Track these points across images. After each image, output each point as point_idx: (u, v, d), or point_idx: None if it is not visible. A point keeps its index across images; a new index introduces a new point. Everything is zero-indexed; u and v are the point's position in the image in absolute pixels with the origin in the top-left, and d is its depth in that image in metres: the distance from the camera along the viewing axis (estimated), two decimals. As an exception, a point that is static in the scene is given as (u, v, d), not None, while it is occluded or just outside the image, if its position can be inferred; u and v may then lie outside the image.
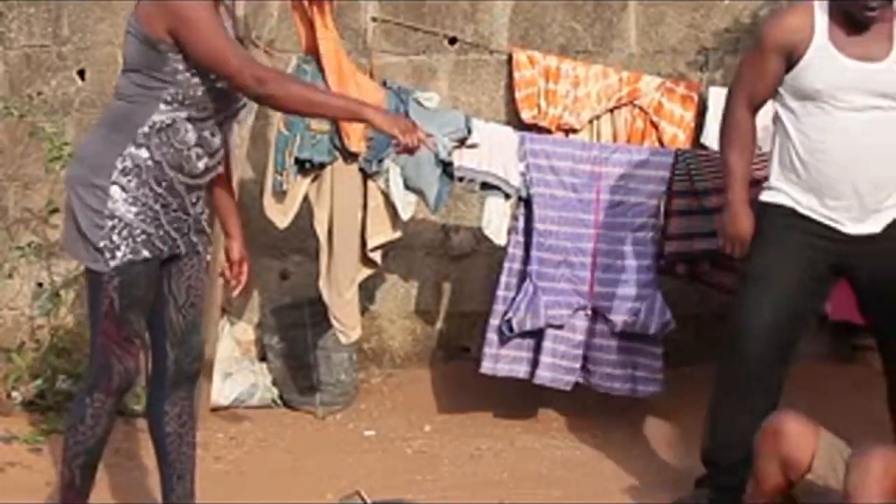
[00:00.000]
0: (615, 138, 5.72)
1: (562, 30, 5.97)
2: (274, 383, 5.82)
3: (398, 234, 5.45)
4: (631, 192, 5.29)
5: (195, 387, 4.15)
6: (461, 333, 6.06)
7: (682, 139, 5.69)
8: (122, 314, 3.82)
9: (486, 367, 5.34)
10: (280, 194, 5.27)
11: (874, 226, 4.23)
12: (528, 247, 5.33)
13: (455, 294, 6.07)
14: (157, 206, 3.81)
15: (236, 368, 5.76)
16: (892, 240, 4.23)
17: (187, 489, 4.15)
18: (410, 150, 3.82)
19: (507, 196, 5.39)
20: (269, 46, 5.38)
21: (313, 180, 5.32)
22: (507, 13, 5.96)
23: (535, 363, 5.32)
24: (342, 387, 5.78)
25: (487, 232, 5.44)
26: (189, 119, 3.80)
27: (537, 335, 5.30)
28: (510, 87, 5.90)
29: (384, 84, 5.45)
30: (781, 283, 4.27)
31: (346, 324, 5.41)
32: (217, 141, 3.90)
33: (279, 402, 5.81)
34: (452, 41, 5.96)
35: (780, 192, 4.30)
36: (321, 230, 5.35)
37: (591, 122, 5.81)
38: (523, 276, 5.31)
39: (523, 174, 5.34)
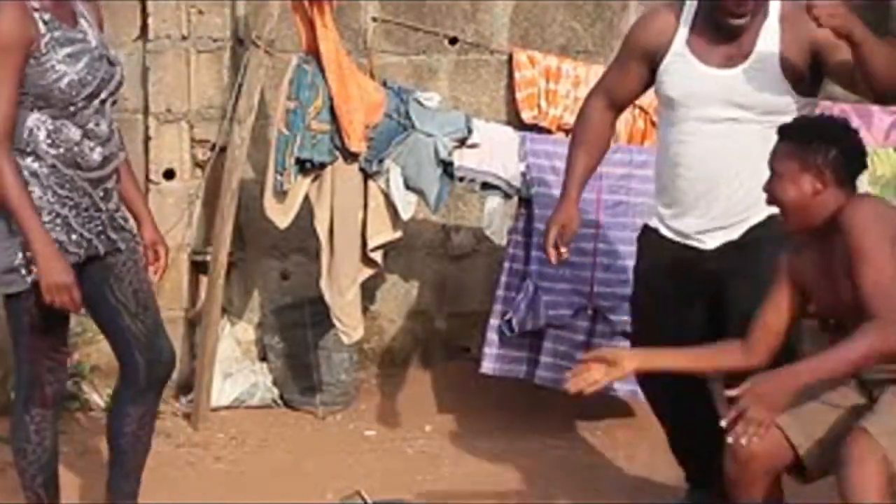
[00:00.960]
0: (615, 138, 5.71)
1: (562, 30, 5.97)
2: (274, 383, 5.82)
3: (399, 234, 5.45)
4: (631, 192, 5.29)
5: (163, 390, 4.12)
6: (461, 333, 6.06)
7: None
8: (47, 326, 3.78)
9: (487, 367, 5.34)
10: (280, 194, 5.27)
11: (732, 233, 4.07)
12: (528, 247, 5.33)
13: (455, 294, 6.08)
14: (65, 211, 3.75)
15: (237, 368, 5.77)
16: (749, 245, 4.05)
17: (132, 487, 4.11)
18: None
19: (508, 196, 5.39)
20: (269, 46, 5.38)
21: (314, 180, 5.32)
22: (508, 13, 5.96)
23: (535, 363, 5.32)
24: (342, 387, 5.78)
25: (488, 232, 5.45)
26: (64, 116, 3.73)
27: (538, 335, 5.31)
28: (510, 88, 5.91)
29: (384, 84, 5.45)
30: (663, 316, 4.16)
31: (348, 324, 5.41)
32: (104, 128, 3.82)
33: (279, 402, 5.81)
34: (453, 41, 5.96)
35: (653, 210, 4.21)
36: (322, 230, 5.35)
37: (591, 122, 5.81)
38: (524, 276, 5.31)
39: (524, 174, 5.34)
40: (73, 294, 3.68)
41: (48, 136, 3.73)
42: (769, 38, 3.94)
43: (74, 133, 3.76)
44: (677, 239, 4.12)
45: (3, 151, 3.64)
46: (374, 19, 5.88)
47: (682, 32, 4.01)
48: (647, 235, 4.26)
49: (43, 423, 3.86)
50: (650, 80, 4.13)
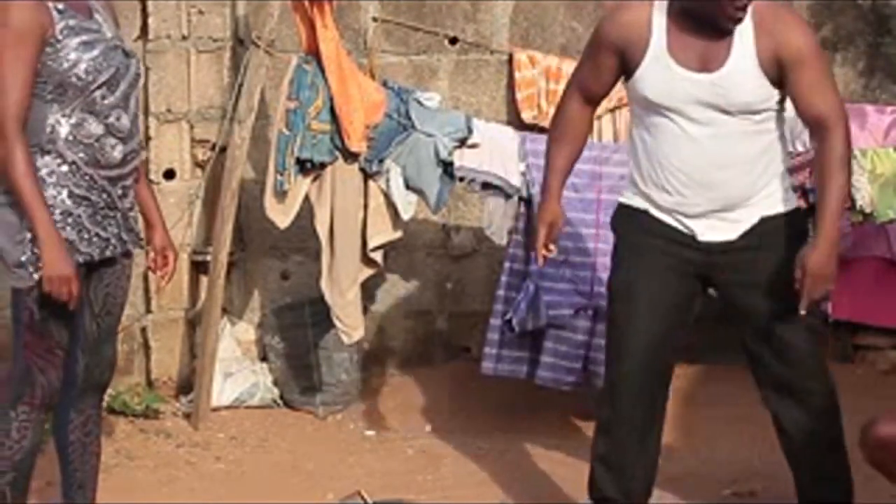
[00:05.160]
0: (616, 138, 5.72)
1: (562, 30, 5.97)
2: (275, 383, 5.82)
3: (399, 234, 5.45)
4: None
5: (104, 396, 4.11)
6: (462, 333, 6.06)
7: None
8: (43, 324, 3.78)
9: (487, 367, 5.34)
10: (281, 194, 5.27)
11: (729, 233, 4.01)
12: (528, 247, 5.32)
13: (456, 294, 6.08)
14: (79, 210, 3.76)
15: (237, 368, 5.77)
16: (747, 249, 4.00)
17: (87, 498, 4.07)
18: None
19: (508, 196, 5.39)
20: (269, 46, 5.38)
21: (314, 180, 5.32)
22: (508, 13, 5.96)
23: (535, 363, 5.32)
24: (343, 387, 5.78)
25: (488, 232, 5.44)
26: (85, 109, 3.75)
27: (538, 335, 5.30)
28: (511, 88, 5.91)
29: (384, 84, 5.45)
30: (648, 299, 4.07)
31: (349, 324, 5.41)
32: (125, 123, 3.83)
33: (280, 402, 5.81)
34: (453, 41, 5.96)
35: (637, 193, 4.10)
36: (322, 230, 5.35)
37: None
38: (524, 276, 5.31)
39: (524, 174, 5.34)
40: (72, 287, 3.68)
41: (70, 132, 3.74)
42: (745, 39, 3.89)
43: (96, 128, 3.77)
44: (670, 221, 4.04)
45: (17, 137, 3.66)
46: (375, 19, 5.88)
47: (658, 33, 3.94)
48: (632, 214, 4.13)
49: (26, 423, 3.84)
50: (623, 71, 4.05)
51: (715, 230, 4.01)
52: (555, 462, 5.16)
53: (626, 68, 4.01)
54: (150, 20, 5.72)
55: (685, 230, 4.03)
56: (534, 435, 5.44)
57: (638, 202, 4.10)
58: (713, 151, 3.93)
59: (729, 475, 4.93)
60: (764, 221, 4.00)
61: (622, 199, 4.19)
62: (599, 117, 5.77)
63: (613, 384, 4.17)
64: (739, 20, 3.86)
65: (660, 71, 3.93)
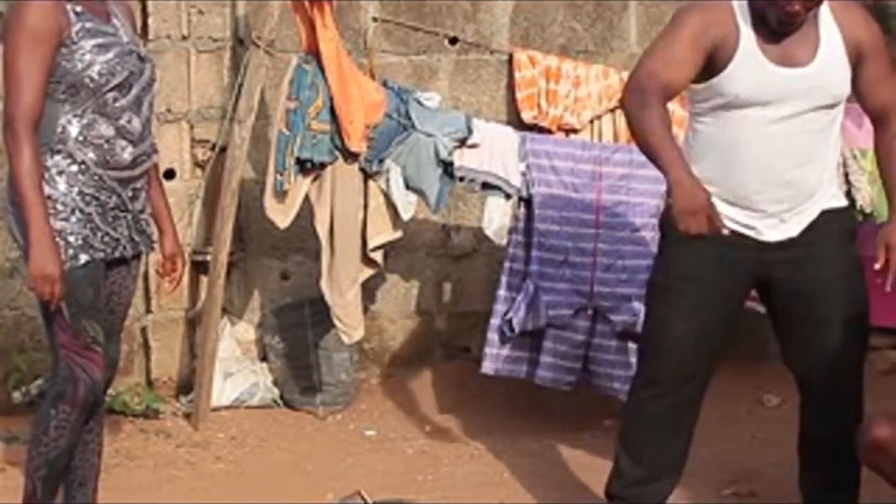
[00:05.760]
0: (616, 138, 5.72)
1: (562, 30, 5.98)
2: (275, 383, 5.82)
3: (399, 234, 5.45)
4: (631, 192, 5.29)
5: (106, 394, 4.11)
6: (462, 333, 6.06)
7: (683, 139, 5.67)
8: (74, 323, 3.78)
9: (487, 367, 5.34)
10: (281, 194, 5.27)
11: (792, 230, 4.02)
12: (528, 247, 5.32)
13: (456, 294, 6.08)
14: (90, 209, 3.78)
15: (237, 368, 5.77)
16: (810, 244, 4.01)
17: (88, 497, 4.09)
18: None
19: (508, 196, 5.39)
20: (269, 46, 5.38)
21: (314, 180, 5.32)
22: (508, 13, 5.96)
23: (535, 363, 5.32)
24: (343, 387, 5.78)
25: (488, 232, 5.44)
26: (97, 111, 3.76)
27: (538, 335, 5.30)
28: (511, 87, 5.91)
29: (384, 84, 5.45)
30: (693, 300, 4.05)
31: (349, 324, 5.41)
32: (137, 125, 3.85)
33: (280, 402, 5.81)
34: (453, 41, 5.96)
35: None
36: (322, 230, 5.35)
37: (591, 122, 5.81)
38: (524, 276, 5.31)
39: (524, 174, 5.34)
40: (55, 288, 3.69)
41: (80, 132, 3.76)
42: (830, 31, 3.97)
43: (107, 129, 3.79)
44: (731, 225, 3.95)
45: (27, 137, 3.67)
46: (375, 19, 5.88)
47: (746, 30, 3.93)
48: None
49: (65, 422, 3.85)
50: (707, 69, 3.97)
51: (777, 228, 4.02)
52: (555, 462, 5.17)
53: (714, 66, 3.95)
54: (150, 20, 5.72)
55: (745, 230, 4.00)
56: (534, 435, 5.44)
57: None
58: (794, 147, 3.96)
59: (729, 475, 4.93)
60: (823, 214, 4.04)
61: (671, 200, 4.06)
62: (599, 117, 5.78)
63: (649, 382, 4.17)
64: (794, 19, 3.87)
65: (751, 67, 3.93)
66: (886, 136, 4.07)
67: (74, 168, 3.77)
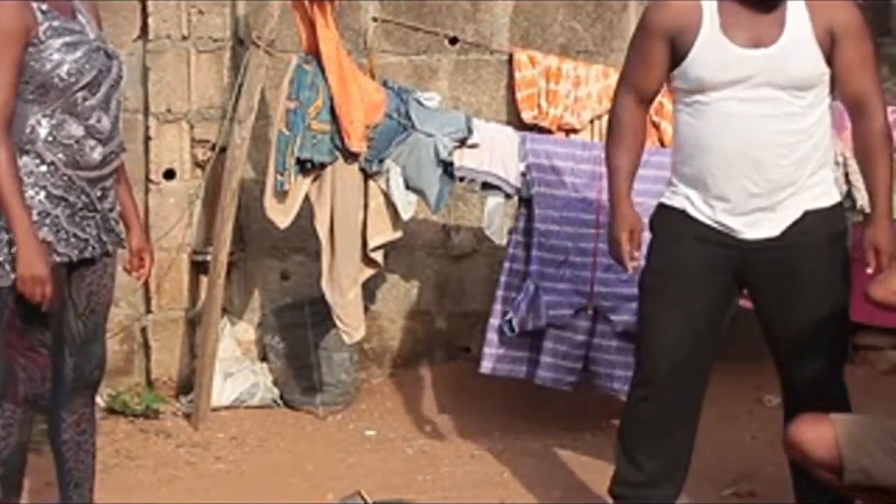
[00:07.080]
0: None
1: (562, 30, 5.98)
2: (275, 383, 5.82)
3: (399, 234, 5.45)
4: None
5: (95, 394, 4.11)
6: (462, 333, 6.06)
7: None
8: (24, 324, 3.79)
9: (487, 367, 5.34)
10: (281, 194, 5.27)
11: (771, 229, 3.98)
12: (528, 247, 5.32)
13: (456, 294, 6.08)
14: (57, 211, 3.77)
15: (237, 368, 5.77)
16: (793, 246, 3.97)
17: (85, 497, 4.08)
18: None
19: (508, 196, 5.39)
20: (269, 46, 5.38)
21: (314, 180, 5.32)
22: (508, 13, 5.96)
23: (535, 363, 5.32)
24: (343, 387, 5.78)
25: (488, 232, 5.44)
26: (66, 111, 3.75)
27: (538, 335, 5.30)
28: (511, 87, 5.91)
29: (384, 84, 5.45)
30: (680, 297, 4.04)
31: (350, 324, 5.41)
32: (106, 125, 3.83)
33: (280, 402, 5.81)
34: (453, 41, 5.96)
35: (677, 193, 4.09)
36: (322, 230, 5.35)
37: (592, 122, 5.82)
38: (524, 276, 5.31)
39: (524, 174, 5.34)
40: (45, 289, 3.69)
41: (50, 132, 3.74)
42: (799, 12, 3.91)
43: (76, 129, 3.77)
44: (710, 223, 4.01)
45: (3, 137, 3.66)
46: (375, 19, 5.88)
47: (709, 14, 3.92)
48: (669, 214, 4.11)
49: (11, 420, 3.87)
50: (673, 59, 4.00)
51: (756, 227, 3.98)
52: (554, 462, 5.17)
53: (677, 54, 3.96)
54: (150, 20, 5.72)
55: (724, 229, 3.99)
56: (533, 435, 5.44)
57: (677, 201, 4.08)
58: (761, 130, 3.90)
59: (729, 475, 4.93)
60: (807, 215, 3.98)
61: (662, 200, 4.17)
62: (599, 117, 5.78)
63: (643, 382, 4.17)
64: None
65: (714, 50, 3.90)
66: (863, 129, 3.97)
67: (44, 168, 3.75)
